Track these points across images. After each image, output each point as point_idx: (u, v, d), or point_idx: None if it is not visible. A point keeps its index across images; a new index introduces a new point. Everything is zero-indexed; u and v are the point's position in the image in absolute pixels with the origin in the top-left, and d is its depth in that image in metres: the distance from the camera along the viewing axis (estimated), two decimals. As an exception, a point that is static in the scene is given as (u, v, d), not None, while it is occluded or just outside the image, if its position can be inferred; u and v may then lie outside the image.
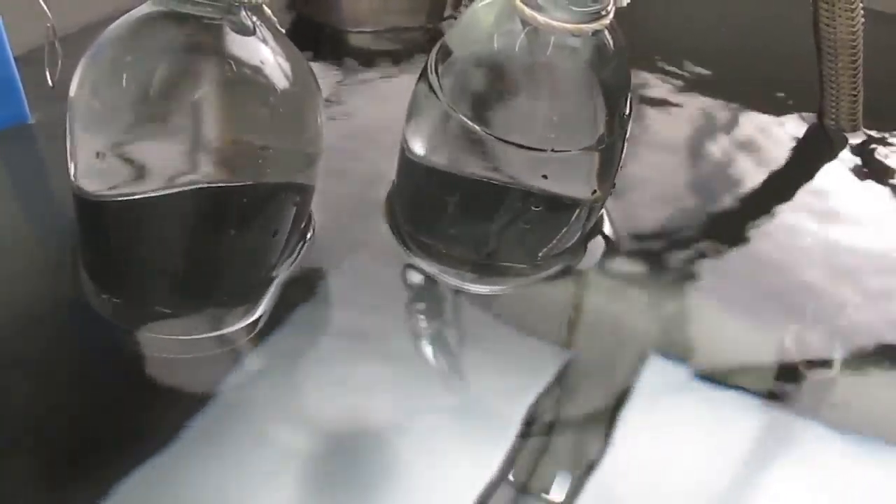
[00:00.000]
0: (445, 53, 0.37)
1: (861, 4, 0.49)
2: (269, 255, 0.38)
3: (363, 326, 0.38)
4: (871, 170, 0.53)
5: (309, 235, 0.41)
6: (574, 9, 0.33)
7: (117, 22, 0.32)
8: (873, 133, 0.55)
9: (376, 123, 0.50)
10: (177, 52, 0.32)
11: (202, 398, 0.34)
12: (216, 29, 0.32)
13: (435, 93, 0.37)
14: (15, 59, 0.44)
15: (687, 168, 0.51)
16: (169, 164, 0.33)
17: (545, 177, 0.37)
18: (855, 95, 0.53)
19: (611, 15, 0.34)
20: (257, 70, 0.33)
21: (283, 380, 0.36)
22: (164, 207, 0.34)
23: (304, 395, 0.35)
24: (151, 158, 0.33)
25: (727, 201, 0.49)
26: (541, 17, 0.33)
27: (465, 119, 0.36)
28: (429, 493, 0.32)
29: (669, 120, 0.56)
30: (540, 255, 0.41)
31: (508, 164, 0.37)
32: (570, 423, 0.36)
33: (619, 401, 0.36)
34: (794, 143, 0.55)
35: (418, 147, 0.39)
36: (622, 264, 0.43)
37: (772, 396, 0.37)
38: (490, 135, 0.36)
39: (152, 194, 0.33)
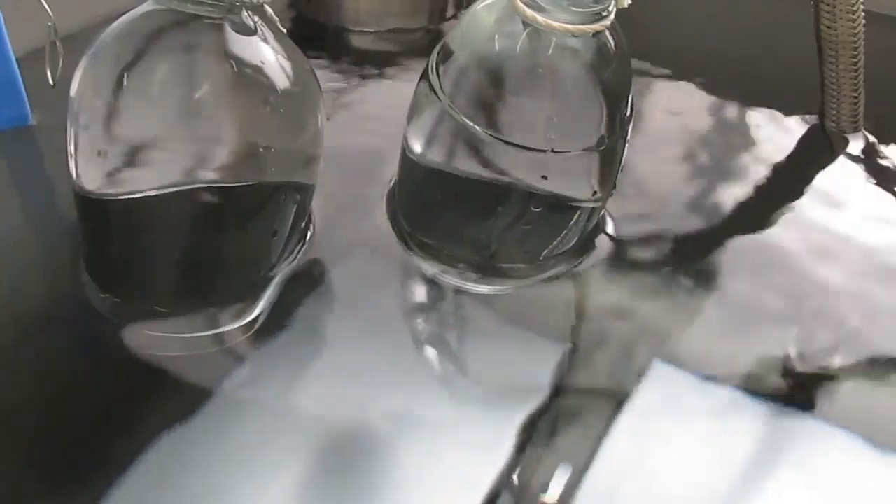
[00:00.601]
0: (446, 54, 0.37)
1: (862, 6, 0.49)
2: (268, 254, 0.38)
3: (363, 326, 0.38)
4: (872, 172, 0.53)
5: (309, 235, 0.41)
6: (575, 10, 0.33)
7: (118, 21, 0.32)
8: (874, 135, 0.55)
9: (377, 124, 0.50)
10: (178, 51, 0.32)
11: (201, 396, 0.34)
12: (217, 28, 0.32)
13: (436, 93, 0.37)
14: (16, 59, 0.44)
15: (688, 169, 0.51)
16: (170, 164, 0.33)
17: (545, 177, 0.37)
18: (856, 97, 0.53)
19: (612, 16, 0.34)
20: (258, 70, 0.33)
21: (282, 378, 0.36)
22: (165, 206, 0.34)
23: (303, 395, 0.35)
24: (152, 158, 0.33)
25: (728, 203, 0.49)
26: (542, 18, 0.34)
27: (466, 119, 0.36)
28: (429, 493, 0.32)
29: (670, 121, 0.56)
30: (541, 255, 0.41)
31: (509, 164, 0.37)
32: (571, 424, 0.36)
33: (621, 402, 0.36)
34: (795, 145, 0.55)
35: (419, 147, 0.39)
36: (623, 265, 0.43)
37: (774, 399, 0.37)
38: (491, 135, 0.36)
39: (153, 193, 0.33)
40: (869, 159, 0.53)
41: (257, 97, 0.33)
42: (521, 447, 0.34)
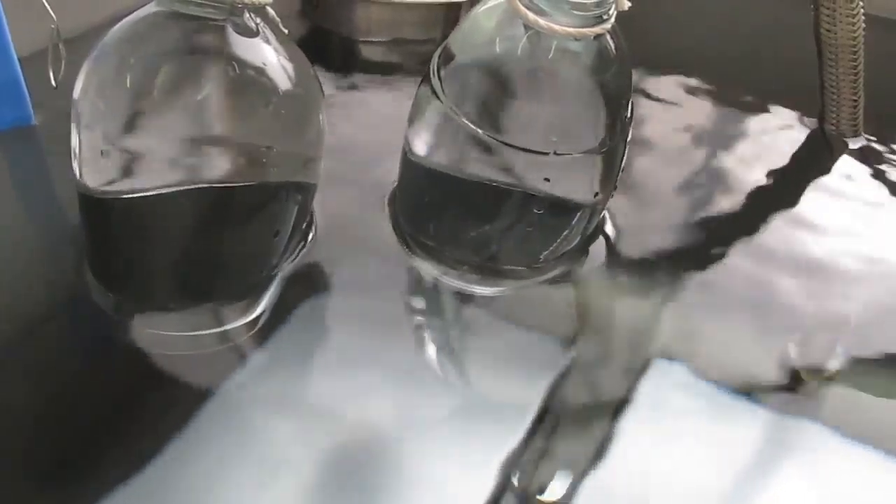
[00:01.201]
0: (448, 56, 0.37)
1: (862, 10, 0.49)
2: (270, 254, 0.38)
3: (364, 326, 0.38)
4: (871, 174, 0.53)
5: (310, 235, 0.41)
6: (576, 13, 0.34)
7: (121, 23, 0.33)
8: (874, 138, 0.55)
9: (381, 127, 0.49)
10: (180, 53, 0.32)
11: (203, 394, 0.34)
12: (220, 30, 0.32)
13: (437, 96, 0.37)
14: (19, 60, 0.44)
15: (688, 171, 0.51)
16: (172, 164, 0.33)
17: (547, 179, 0.37)
18: (855, 101, 0.53)
19: (612, 19, 0.35)
20: (260, 71, 0.33)
21: (284, 377, 0.36)
22: (168, 206, 0.34)
23: (305, 393, 0.35)
24: (155, 158, 0.33)
25: (728, 205, 0.49)
26: (543, 21, 0.34)
27: (467, 122, 0.36)
28: (430, 493, 0.32)
29: (670, 124, 0.56)
30: (542, 257, 0.41)
31: (510, 166, 0.37)
32: (572, 426, 0.36)
33: (621, 403, 0.36)
34: (795, 149, 0.55)
35: (420, 149, 0.39)
36: (624, 267, 0.44)
37: (773, 401, 0.37)
38: (492, 138, 0.36)
39: (156, 193, 0.33)
40: (869, 163, 0.54)
41: (259, 98, 0.33)
42: (522, 448, 0.34)
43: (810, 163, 0.54)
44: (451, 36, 0.38)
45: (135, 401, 0.34)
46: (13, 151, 0.46)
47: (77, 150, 0.34)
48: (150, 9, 0.32)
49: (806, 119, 0.56)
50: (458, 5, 0.59)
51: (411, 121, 0.39)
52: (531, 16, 0.34)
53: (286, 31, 0.34)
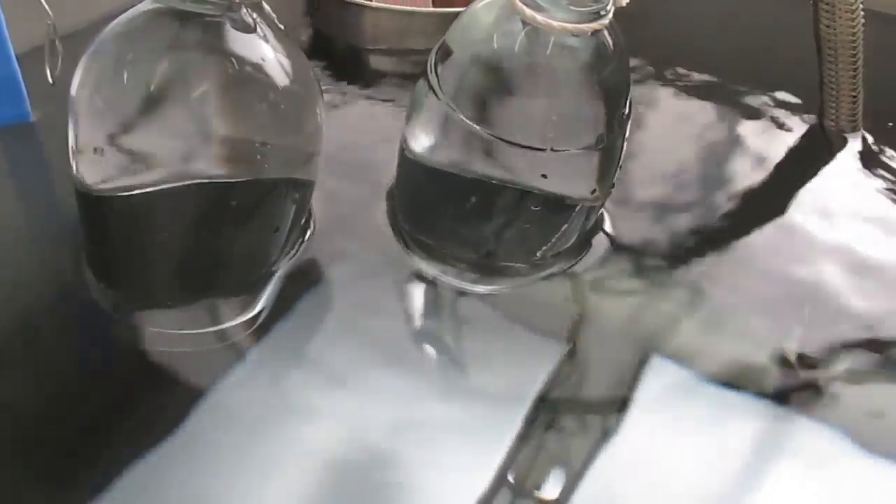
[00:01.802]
0: (445, 53, 0.37)
1: (861, 6, 0.49)
2: (269, 251, 0.38)
3: (363, 323, 0.38)
4: (871, 171, 0.53)
5: (309, 232, 0.41)
6: (573, 9, 0.34)
7: (118, 19, 0.33)
8: (873, 134, 0.55)
9: (382, 132, 0.49)
10: (177, 49, 0.32)
11: (202, 392, 0.34)
12: (217, 26, 0.32)
13: (434, 92, 0.37)
14: (17, 56, 0.44)
15: (686, 168, 0.51)
16: (170, 160, 0.33)
17: (544, 176, 0.37)
18: (855, 97, 0.53)
19: (610, 15, 0.35)
20: (258, 67, 0.33)
21: (283, 374, 0.36)
22: (166, 203, 0.34)
23: (304, 391, 0.35)
24: (153, 154, 0.33)
25: (727, 202, 0.49)
26: (540, 17, 0.34)
27: (465, 118, 0.36)
28: (428, 491, 0.32)
29: (668, 120, 0.56)
30: (539, 254, 0.41)
31: (508, 163, 0.37)
32: (570, 424, 0.36)
33: (619, 402, 0.36)
34: (794, 145, 0.55)
35: (418, 146, 0.39)
36: (622, 264, 0.43)
37: (772, 398, 0.37)
38: (489, 134, 0.36)
39: (154, 189, 0.33)
40: (868, 159, 0.53)
41: (257, 94, 0.33)
42: (520, 446, 0.34)
43: (809, 159, 0.54)
44: (448, 32, 0.38)
45: (133, 398, 0.34)
46: (11, 148, 0.46)
47: (74, 147, 0.34)
48: (146, 5, 0.32)
49: (805, 115, 0.56)
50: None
51: (409, 117, 0.39)
52: (529, 12, 0.34)
53: (282, 27, 0.34)
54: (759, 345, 0.40)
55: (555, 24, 0.34)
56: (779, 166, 0.53)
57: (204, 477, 0.32)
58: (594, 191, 0.39)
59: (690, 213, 0.48)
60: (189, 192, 0.34)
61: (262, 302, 0.38)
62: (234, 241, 0.36)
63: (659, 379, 0.38)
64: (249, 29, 0.33)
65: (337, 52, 0.60)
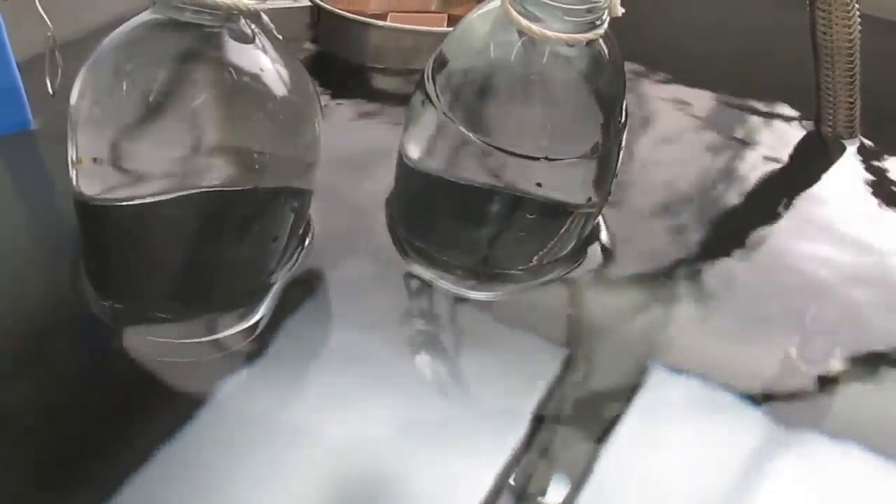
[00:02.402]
0: (442, 62, 0.37)
1: (858, 11, 0.49)
2: (267, 260, 0.38)
3: (361, 331, 0.38)
4: (868, 177, 0.53)
5: (308, 241, 0.41)
6: (569, 19, 0.34)
7: (118, 30, 0.33)
8: (870, 140, 0.55)
9: (382, 143, 0.49)
10: (176, 59, 0.32)
11: (201, 401, 0.34)
12: (215, 37, 0.32)
13: (431, 101, 0.37)
14: (17, 64, 0.45)
15: (683, 175, 0.52)
16: (169, 170, 0.33)
17: (539, 185, 0.38)
18: (852, 102, 0.53)
19: (605, 25, 0.35)
20: (256, 77, 0.33)
21: (282, 384, 0.36)
22: (164, 213, 0.34)
23: (303, 400, 0.36)
24: (152, 164, 0.33)
25: (724, 208, 0.49)
26: (536, 28, 0.34)
27: (461, 127, 0.36)
28: (428, 498, 0.32)
29: (665, 128, 0.56)
30: (536, 261, 0.41)
31: (504, 171, 0.37)
32: (569, 430, 0.36)
33: (618, 408, 0.36)
34: (791, 151, 0.55)
35: (415, 154, 0.39)
36: (619, 271, 0.44)
37: (771, 404, 0.37)
38: (485, 143, 0.36)
39: (152, 200, 0.34)
40: (865, 164, 0.54)
41: (255, 104, 0.33)
42: (519, 452, 0.34)
43: (807, 165, 0.54)
44: (445, 42, 0.38)
45: (132, 408, 0.34)
46: (12, 157, 0.46)
47: (73, 157, 0.34)
48: (146, 16, 0.32)
49: (802, 121, 0.56)
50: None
51: (406, 126, 0.39)
52: (525, 22, 0.34)
53: (280, 38, 0.35)
54: (759, 350, 0.40)
55: (550, 34, 0.34)
56: (776, 172, 0.53)
57: (203, 485, 0.32)
58: (590, 198, 0.39)
59: (687, 219, 0.48)
60: (188, 202, 0.34)
61: (261, 311, 0.38)
62: (232, 250, 0.36)
63: (658, 384, 0.38)
64: (248, 39, 0.33)
65: (338, 69, 0.59)
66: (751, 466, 0.35)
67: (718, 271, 0.44)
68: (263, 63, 0.33)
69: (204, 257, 0.36)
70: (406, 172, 0.41)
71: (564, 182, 0.38)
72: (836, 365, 0.40)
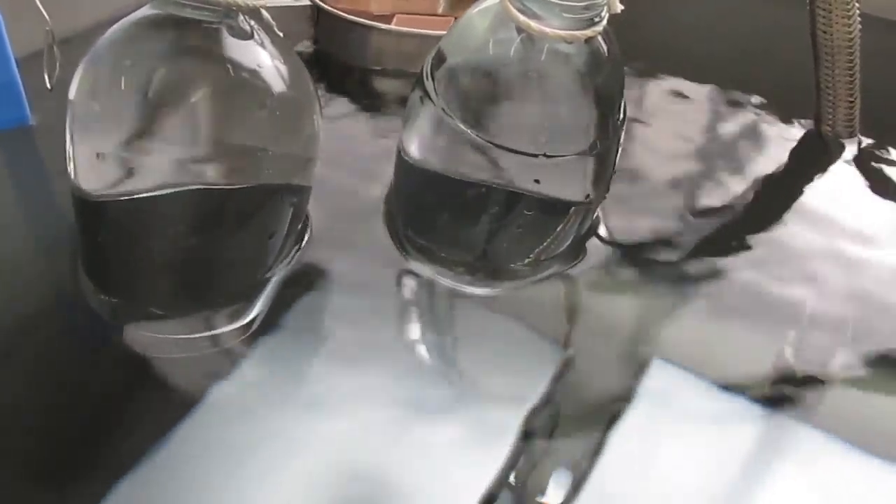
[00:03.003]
0: (441, 59, 0.37)
1: (858, 10, 0.49)
2: (265, 256, 0.38)
3: (359, 328, 0.38)
4: (867, 176, 0.53)
5: (305, 237, 0.41)
6: (567, 16, 0.34)
7: (116, 25, 0.33)
8: (870, 139, 0.55)
9: (382, 145, 0.49)
10: (175, 55, 0.32)
11: (198, 397, 0.34)
12: (214, 33, 0.32)
13: (430, 98, 0.37)
14: (16, 60, 0.45)
15: (682, 172, 0.52)
16: (167, 166, 0.33)
17: (537, 181, 0.38)
18: (851, 102, 0.53)
19: (604, 22, 0.35)
20: (255, 73, 0.33)
21: (279, 379, 0.36)
22: (162, 208, 0.34)
23: (299, 396, 0.36)
24: (149, 160, 0.33)
25: (724, 206, 0.49)
26: (535, 25, 0.34)
27: (460, 124, 0.36)
28: (427, 496, 0.32)
29: (664, 125, 0.56)
30: (534, 257, 0.41)
31: (503, 168, 0.37)
32: (568, 426, 0.36)
33: (617, 404, 0.36)
34: (790, 150, 0.55)
35: (414, 150, 0.39)
36: (617, 267, 0.44)
37: (769, 401, 0.37)
38: (484, 139, 0.36)
39: (150, 195, 0.34)
40: (864, 164, 0.54)
41: (254, 100, 0.33)
42: (519, 449, 0.34)
43: (806, 164, 0.54)
44: (443, 38, 0.38)
45: (129, 404, 0.34)
46: (10, 152, 0.46)
47: (72, 153, 0.34)
48: (144, 11, 0.32)
49: (802, 120, 0.56)
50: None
51: (405, 122, 0.39)
52: (523, 19, 0.34)
53: (281, 34, 0.35)
54: (757, 347, 0.40)
55: (549, 31, 0.34)
56: (775, 171, 0.53)
57: (198, 481, 0.32)
58: (588, 195, 0.39)
59: (685, 217, 0.48)
60: (185, 198, 0.34)
61: (258, 307, 0.38)
62: (230, 246, 0.36)
63: (656, 381, 0.38)
64: (247, 36, 0.33)
65: (339, 71, 0.59)
66: (751, 464, 0.35)
67: (717, 269, 0.44)
68: (262, 59, 0.33)
69: (202, 253, 0.36)
70: (405, 169, 0.41)
71: (563, 179, 0.38)
72: (836, 363, 0.40)
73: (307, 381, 0.36)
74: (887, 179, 0.53)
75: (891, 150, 0.55)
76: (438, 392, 0.36)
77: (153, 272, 0.37)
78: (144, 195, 0.34)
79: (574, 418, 0.36)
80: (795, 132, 0.56)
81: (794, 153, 0.55)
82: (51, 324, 0.37)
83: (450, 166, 0.38)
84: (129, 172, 0.33)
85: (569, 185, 0.39)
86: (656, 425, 0.36)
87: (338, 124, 0.52)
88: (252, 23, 0.33)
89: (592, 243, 0.44)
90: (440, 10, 0.58)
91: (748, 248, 0.46)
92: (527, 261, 0.41)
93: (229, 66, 0.32)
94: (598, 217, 0.45)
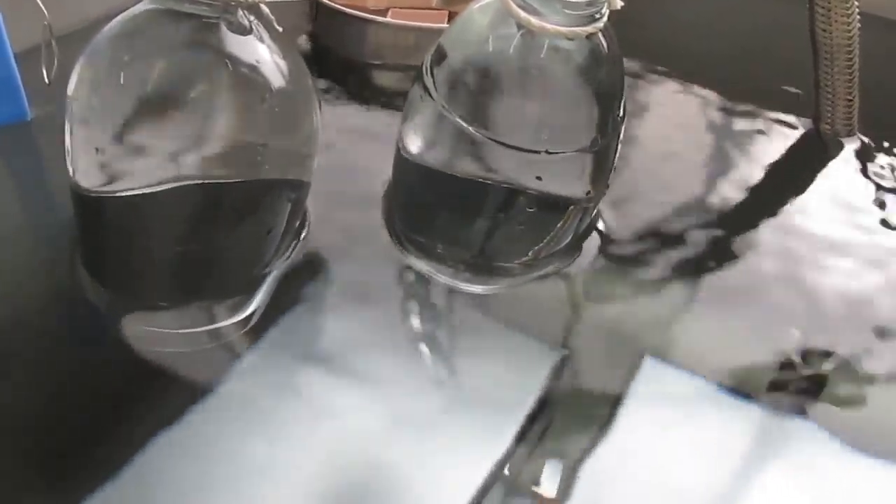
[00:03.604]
0: (441, 55, 0.37)
1: (857, 9, 0.49)
2: (264, 251, 0.38)
3: (357, 324, 0.38)
4: (866, 174, 0.53)
5: (304, 233, 0.41)
6: (568, 12, 0.34)
7: (115, 20, 0.33)
8: (868, 138, 0.55)
9: (380, 139, 0.49)
10: (174, 50, 0.32)
11: (195, 392, 0.34)
12: (213, 27, 0.32)
13: (430, 94, 0.37)
14: (14, 55, 0.45)
15: (681, 171, 0.52)
16: (165, 161, 0.33)
17: (539, 178, 0.38)
18: (850, 100, 0.53)
19: (604, 18, 0.35)
20: (254, 68, 0.33)
21: (277, 374, 0.36)
22: (161, 203, 0.34)
23: (296, 391, 0.36)
24: (148, 155, 0.33)
25: (722, 204, 0.49)
26: (535, 21, 0.34)
27: (460, 120, 0.36)
28: (422, 490, 0.32)
29: (664, 123, 0.56)
30: (533, 254, 0.41)
31: (502, 164, 0.37)
32: (564, 423, 0.36)
33: (613, 402, 0.36)
34: (789, 148, 0.55)
35: (413, 147, 0.39)
36: (616, 264, 0.44)
37: (768, 399, 0.38)
38: (484, 136, 0.36)
39: (149, 190, 0.34)
40: (863, 162, 0.54)
41: (253, 96, 0.33)
42: (515, 445, 0.34)
43: (805, 162, 0.54)
44: (443, 34, 0.38)
45: (127, 397, 0.34)
46: (9, 148, 0.46)
47: (70, 148, 0.34)
48: (143, 6, 0.32)
49: (801, 119, 0.56)
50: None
51: (404, 118, 0.39)
52: (524, 15, 0.34)
53: (280, 29, 0.35)
54: (754, 345, 0.40)
55: (549, 27, 0.34)
56: (774, 169, 0.53)
57: (198, 475, 0.32)
58: (588, 192, 0.39)
59: (685, 214, 0.48)
60: (184, 193, 0.34)
61: (256, 302, 0.38)
62: (229, 241, 0.36)
63: (654, 378, 0.38)
64: (246, 31, 0.33)
65: (337, 65, 0.59)
66: (746, 462, 0.35)
67: (715, 267, 0.45)
68: (261, 54, 0.33)
69: (200, 248, 0.36)
70: (404, 165, 0.40)
71: (562, 176, 0.38)
72: (833, 363, 0.40)
73: (304, 375, 0.36)
74: (886, 177, 0.53)
75: (890, 147, 0.55)
76: (435, 386, 0.36)
77: (151, 267, 0.37)
78: (143, 190, 0.34)
79: (569, 413, 0.36)
80: (794, 130, 0.56)
81: (793, 151, 0.55)
82: (49, 318, 0.38)
83: (449, 163, 0.38)
84: (128, 167, 0.33)
85: (569, 182, 0.39)
86: (651, 421, 0.36)
87: (337, 119, 0.52)
88: (251, 18, 0.33)
89: (590, 241, 0.44)
90: (434, 3, 0.59)
91: (745, 245, 0.46)
92: (525, 258, 0.41)
93: (228, 61, 0.32)
94: (596, 215, 0.44)
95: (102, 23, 0.33)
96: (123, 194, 0.34)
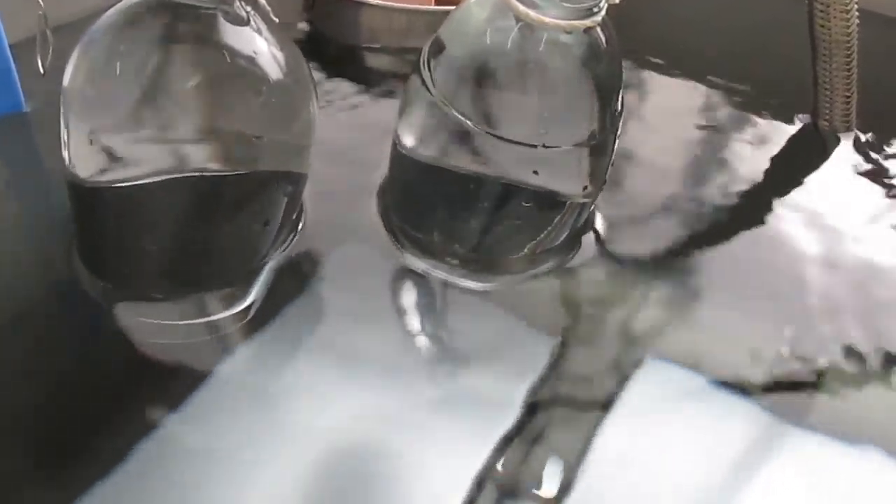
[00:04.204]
0: (438, 48, 0.37)
1: (856, 6, 0.49)
2: (260, 244, 0.38)
3: (352, 317, 0.38)
4: (864, 171, 0.53)
5: (300, 225, 0.41)
6: (567, 5, 0.33)
7: (111, 10, 0.33)
8: (867, 134, 0.55)
9: (376, 129, 0.49)
10: (170, 41, 0.32)
11: (192, 383, 0.34)
12: (210, 18, 0.32)
13: (427, 87, 0.37)
14: (10, 46, 0.44)
15: (679, 166, 0.52)
16: (162, 153, 0.33)
17: (536, 172, 0.37)
18: (849, 96, 0.53)
19: (603, 12, 0.35)
20: (251, 60, 0.33)
21: (273, 367, 0.36)
22: (157, 195, 0.34)
23: (293, 384, 0.36)
24: (144, 146, 0.33)
25: (720, 200, 0.49)
26: (533, 14, 0.34)
27: (457, 114, 0.36)
28: (418, 486, 0.32)
29: (661, 118, 0.56)
30: (530, 249, 0.41)
31: (500, 158, 0.37)
32: (561, 421, 0.36)
33: (610, 399, 0.36)
34: (787, 144, 0.55)
35: (410, 141, 0.39)
36: (613, 261, 0.44)
37: (766, 397, 0.38)
38: (481, 129, 0.36)
39: (145, 181, 0.33)
40: (861, 158, 0.54)
41: (249, 87, 0.33)
42: (511, 443, 0.34)
43: (802, 159, 0.54)
44: (441, 27, 0.38)
45: (123, 389, 0.34)
46: (4, 138, 0.45)
47: (66, 139, 0.34)
48: (140, -4, 0.32)
49: (799, 115, 0.56)
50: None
51: (401, 112, 0.39)
52: (522, 8, 0.34)
53: (277, 20, 0.34)
54: (753, 342, 0.40)
55: (548, 20, 0.34)
56: (772, 165, 0.53)
57: (195, 467, 0.32)
58: (586, 187, 0.39)
59: (682, 211, 0.48)
60: (180, 185, 0.34)
61: (253, 294, 0.38)
62: (225, 233, 0.36)
63: (650, 377, 0.38)
64: (242, 22, 0.33)
65: (333, 50, 0.59)
66: (743, 458, 0.35)
67: (712, 263, 0.44)
68: (258, 45, 0.33)
69: (197, 240, 0.36)
70: (400, 160, 0.40)
71: (560, 171, 0.38)
72: (830, 362, 0.40)
73: (300, 368, 0.36)
74: (884, 173, 0.53)
75: (888, 144, 0.55)
76: (431, 381, 0.36)
77: (148, 258, 0.37)
78: (139, 181, 0.34)
79: (567, 412, 0.36)
80: (792, 126, 0.56)
81: (791, 148, 0.55)
82: (46, 309, 0.37)
83: (445, 157, 0.38)
84: (124, 158, 0.33)
85: (566, 177, 0.39)
86: (648, 418, 0.36)
87: (333, 107, 0.52)
88: (248, 9, 0.33)
89: (588, 237, 0.44)
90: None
91: (743, 242, 0.46)
92: (522, 254, 0.41)
93: (225, 52, 0.32)
94: (594, 210, 0.44)
95: (98, 13, 0.33)
96: (120, 185, 0.34)
